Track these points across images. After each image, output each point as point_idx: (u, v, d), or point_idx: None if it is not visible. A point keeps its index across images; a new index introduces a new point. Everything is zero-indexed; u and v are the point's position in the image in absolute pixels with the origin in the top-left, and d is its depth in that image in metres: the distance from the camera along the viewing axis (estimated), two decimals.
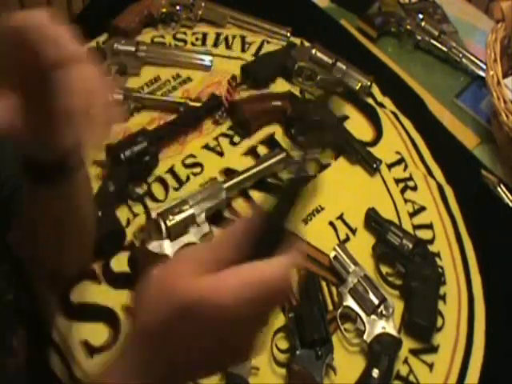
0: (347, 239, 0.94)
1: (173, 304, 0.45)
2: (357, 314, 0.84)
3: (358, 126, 1.08)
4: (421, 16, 1.22)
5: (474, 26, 1.27)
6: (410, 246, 0.90)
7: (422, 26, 1.21)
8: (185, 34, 1.18)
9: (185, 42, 1.17)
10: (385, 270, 0.92)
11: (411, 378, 0.83)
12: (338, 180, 1.01)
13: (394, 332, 0.83)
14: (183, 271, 0.46)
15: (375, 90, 1.14)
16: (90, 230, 0.73)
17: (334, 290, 0.88)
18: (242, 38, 1.19)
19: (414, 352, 0.85)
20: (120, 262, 0.87)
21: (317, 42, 1.14)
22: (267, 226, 0.47)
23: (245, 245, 0.47)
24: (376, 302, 0.84)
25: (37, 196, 0.62)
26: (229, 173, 0.98)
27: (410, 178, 1.03)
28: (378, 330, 0.83)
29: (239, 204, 0.96)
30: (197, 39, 1.18)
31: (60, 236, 0.69)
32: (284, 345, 0.82)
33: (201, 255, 0.47)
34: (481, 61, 1.16)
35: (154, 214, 0.87)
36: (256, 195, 0.97)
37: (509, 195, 1.02)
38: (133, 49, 1.09)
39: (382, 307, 0.84)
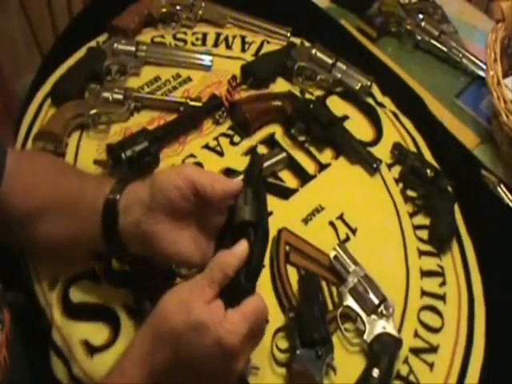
0: (347, 239, 0.94)
1: (188, 321, 0.61)
2: (357, 313, 0.84)
3: (357, 126, 1.07)
4: (421, 16, 1.22)
5: (474, 26, 1.27)
6: None
7: (422, 26, 1.21)
8: (185, 33, 1.18)
9: (185, 42, 1.17)
10: None
11: (411, 377, 0.83)
12: (337, 180, 1.01)
13: (394, 332, 0.83)
14: (197, 296, 0.62)
15: (375, 90, 1.14)
16: None
17: (334, 289, 0.88)
18: (242, 37, 1.19)
19: (415, 351, 0.85)
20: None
21: (317, 42, 1.14)
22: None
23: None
24: (376, 301, 0.84)
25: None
26: (229, 173, 0.98)
27: None
28: (378, 330, 0.82)
29: None
30: (197, 39, 1.18)
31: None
32: (284, 345, 0.82)
33: (202, 286, 0.63)
34: (481, 61, 1.16)
35: None
36: None
37: (509, 195, 1.02)
38: (133, 49, 1.09)
39: (382, 307, 0.84)
